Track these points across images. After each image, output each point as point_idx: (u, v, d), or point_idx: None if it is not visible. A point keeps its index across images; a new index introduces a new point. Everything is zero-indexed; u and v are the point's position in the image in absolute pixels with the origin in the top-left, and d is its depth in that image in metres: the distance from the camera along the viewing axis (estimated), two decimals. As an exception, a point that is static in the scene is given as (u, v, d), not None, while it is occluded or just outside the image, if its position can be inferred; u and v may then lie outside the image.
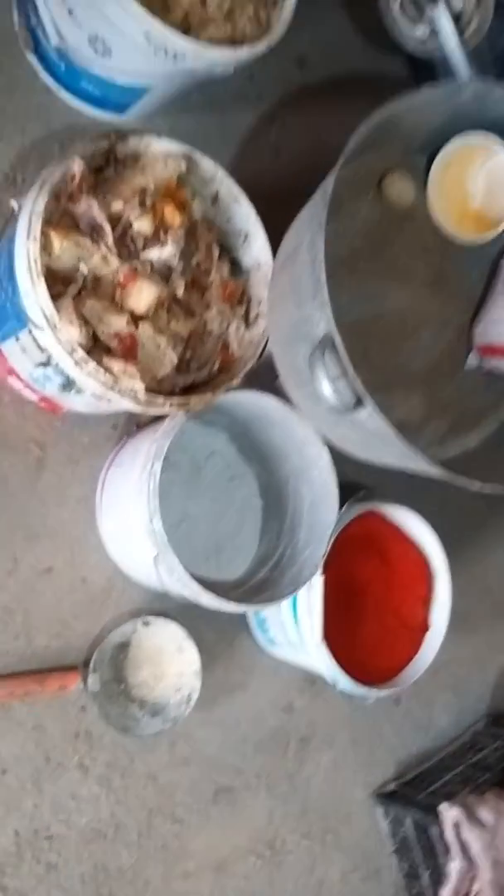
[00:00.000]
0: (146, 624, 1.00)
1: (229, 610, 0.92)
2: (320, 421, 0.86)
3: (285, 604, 1.01)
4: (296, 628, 1.00)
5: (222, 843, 1.06)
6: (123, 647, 1.00)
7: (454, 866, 1.04)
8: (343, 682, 0.98)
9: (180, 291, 0.85)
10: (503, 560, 1.31)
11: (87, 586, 0.99)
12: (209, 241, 0.89)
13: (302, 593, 0.97)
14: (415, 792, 1.18)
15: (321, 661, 0.98)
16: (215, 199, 0.91)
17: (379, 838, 1.17)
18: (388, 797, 1.18)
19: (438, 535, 1.09)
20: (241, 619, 1.09)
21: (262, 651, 1.11)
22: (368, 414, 0.75)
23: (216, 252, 0.90)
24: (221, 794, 1.06)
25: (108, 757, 0.99)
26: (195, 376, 0.89)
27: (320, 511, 1.01)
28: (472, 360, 0.98)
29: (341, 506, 1.01)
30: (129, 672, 1.01)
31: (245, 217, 0.92)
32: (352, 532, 1.04)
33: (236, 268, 0.94)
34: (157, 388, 0.85)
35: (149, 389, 0.82)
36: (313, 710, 1.14)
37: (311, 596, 0.96)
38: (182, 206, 0.86)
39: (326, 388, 0.73)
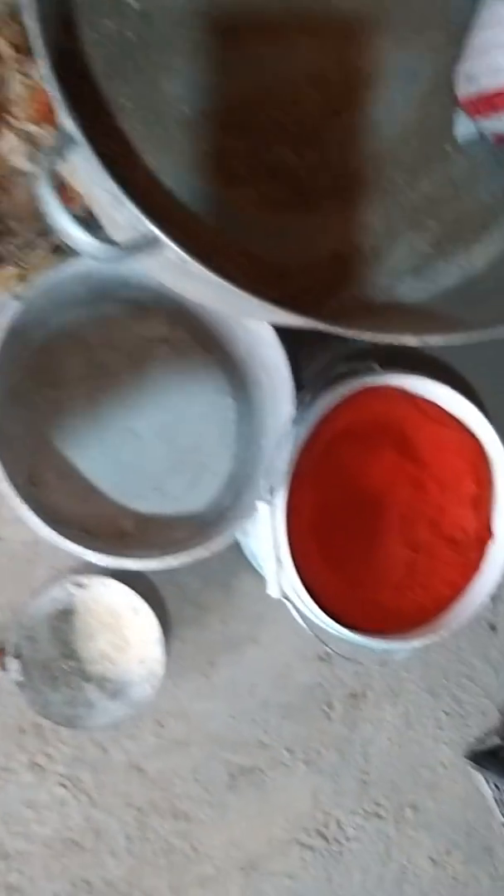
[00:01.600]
0: (80, 585, 0.76)
1: (119, 566, 0.66)
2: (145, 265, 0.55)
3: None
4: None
5: (249, 837, 0.83)
6: (65, 615, 0.77)
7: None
8: (338, 632, 0.69)
9: None
10: None
11: (3, 545, 0.77)
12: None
13: (261, 520, 0.68)
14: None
15: (304, 610, 0.70)
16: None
17: (483, 808, 0.88)
18: (489, 756, 0.88)
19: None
20: (238, 556, 0.82)
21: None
22: (167, 247, 0.44)
23: (4, 47, 0.59)
24: (241, 777, 0.83)
25: (71, 751, 0.78)
26: (15, 243, 0.61)
27: (279, 406, 0.70)
28: (463, 126, 0.61)
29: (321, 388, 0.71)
30: (81, 645, 0.78)
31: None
32: (354, 420, 0.73)
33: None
34: None
35: None
36: (364, 655, 0.85)
37: (261, 525, 0.67)
38: None
39: (68, 224, 0.43)
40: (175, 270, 0.49)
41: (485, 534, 0.75)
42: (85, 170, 0.44)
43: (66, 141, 0.43)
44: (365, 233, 0.59)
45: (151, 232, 0.42)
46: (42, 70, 0.42)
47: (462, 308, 0.55)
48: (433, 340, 0.45)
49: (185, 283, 0.52)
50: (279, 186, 0.57)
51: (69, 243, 0.43)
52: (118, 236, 0.46)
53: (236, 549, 0.82)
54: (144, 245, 0.44)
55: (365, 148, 0.60)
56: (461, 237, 0.61)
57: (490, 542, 0.75)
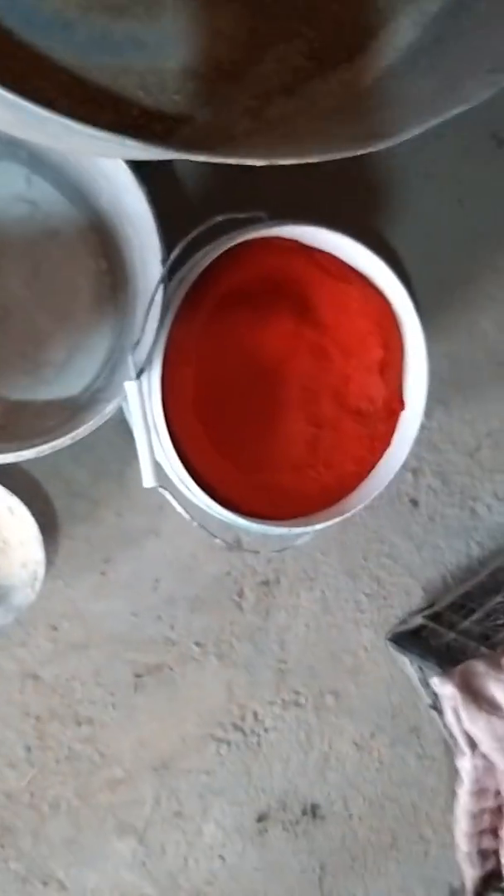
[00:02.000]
0: None
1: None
2: None
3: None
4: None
5: (161, 736, 0.78)
6: None
7: (464, 765, 0.70)
8: (231, 520, 0.62)
9: None
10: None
11: None
12: None
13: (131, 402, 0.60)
14: (450, 625, 0.83)
15: (192, 499, 0.63)
16: None
17: (408, 690, 0.85)
18: (413, 637, 0.84)
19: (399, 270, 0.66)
20: (131, 442, 0.74)
21: (172, 478, 0.76)
22: None
23: None
24: (147, 676, 0.77)
25: (-45, 663, 0.72)
26: None
27: (148, 266, 0.61)
28: None
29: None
30: (-44, 549, 0.70)
31: None
32: (241, 279, 0.64)
33: None
34: None
35: None
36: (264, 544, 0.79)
37: (132, 408, 0.59)
38: None
39: None
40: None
41: (395, 403, 0.68)
42: None
43: None
44: (223, 43, 0.48)
45: None
46: None
47: (335, 126, 0.45)
48: (285, 160, 0.36)
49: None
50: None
51: None
52: None
53: (129, 435, 0.74)
54: None
55: None
56: (343, 47, 0.50)
57: (401, 413, 0.68)
